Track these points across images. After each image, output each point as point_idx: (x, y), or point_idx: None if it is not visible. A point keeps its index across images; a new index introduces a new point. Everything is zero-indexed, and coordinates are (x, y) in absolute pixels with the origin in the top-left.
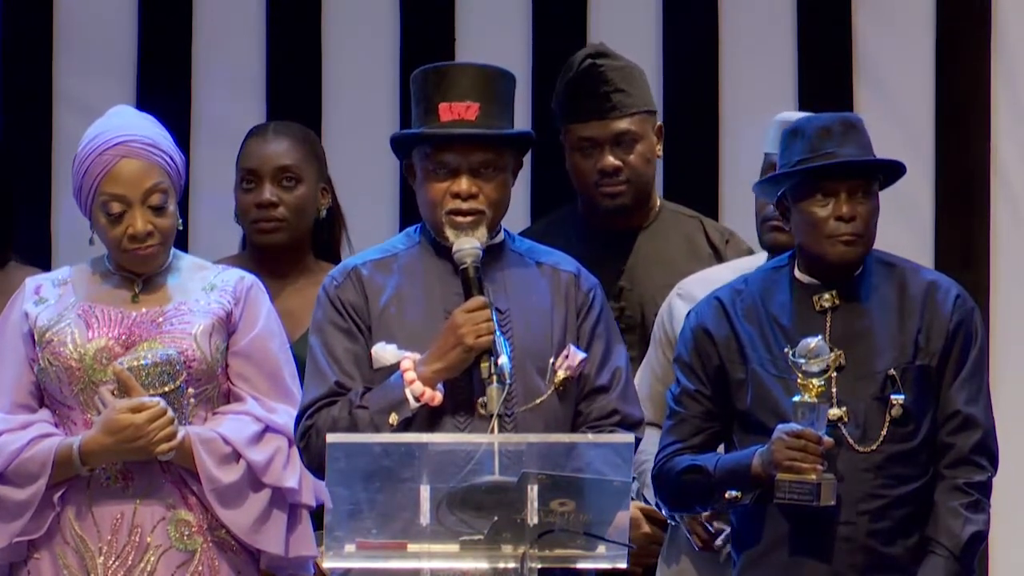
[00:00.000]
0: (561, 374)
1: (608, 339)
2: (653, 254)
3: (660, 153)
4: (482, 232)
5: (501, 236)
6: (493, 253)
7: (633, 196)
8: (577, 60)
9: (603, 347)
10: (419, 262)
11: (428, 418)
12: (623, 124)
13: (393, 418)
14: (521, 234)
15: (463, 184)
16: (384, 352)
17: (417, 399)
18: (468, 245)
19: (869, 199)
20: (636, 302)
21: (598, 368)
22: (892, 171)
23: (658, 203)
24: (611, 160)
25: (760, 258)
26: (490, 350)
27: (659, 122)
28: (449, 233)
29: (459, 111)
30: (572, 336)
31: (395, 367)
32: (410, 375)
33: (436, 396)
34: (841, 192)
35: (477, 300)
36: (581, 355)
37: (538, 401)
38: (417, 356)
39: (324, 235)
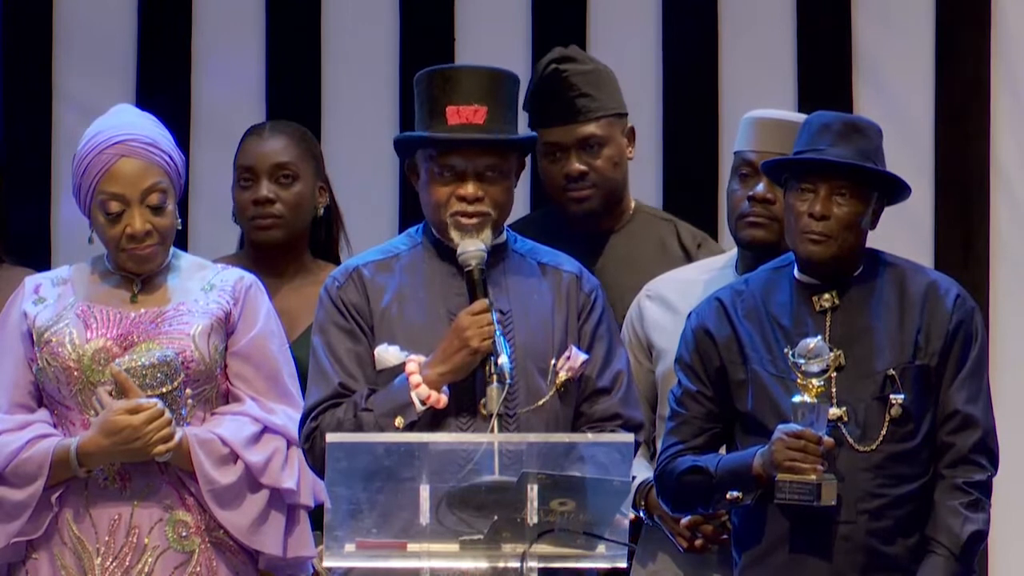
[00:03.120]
0: (562, 375)
1: (610, 341)
2: (624, 256)
3: (632, 155)
4: (487, 234)
5: (503, 236)
6: (495, 254)
7: (601, 200)
8: (541, 65)
9: (605, 349)
10: (421, 262)
11: (431, 420)
12: (588, 129)
13: (399, 421)
14: None
15: (469, 188)
16: (387, 354)
17: (423, 402)
18: (473, 247)
19: (853, 202)
20: None
21: (600, 370)
22: (890, 183)
23: (632, 205)
24: (576, 165)
25: (728, 257)
26: (491, 351)
27: (630, 124)
28: (454, 235)
29: (467, 115)
30: (573, 337)
31: (398, 368)
32: (415, 378)
33: (442, 399)
34: (821, 189)
35: (482, 303)
36: (583, 356)
37: (540, 402)
38: (422, 358)
39: (321, 234)
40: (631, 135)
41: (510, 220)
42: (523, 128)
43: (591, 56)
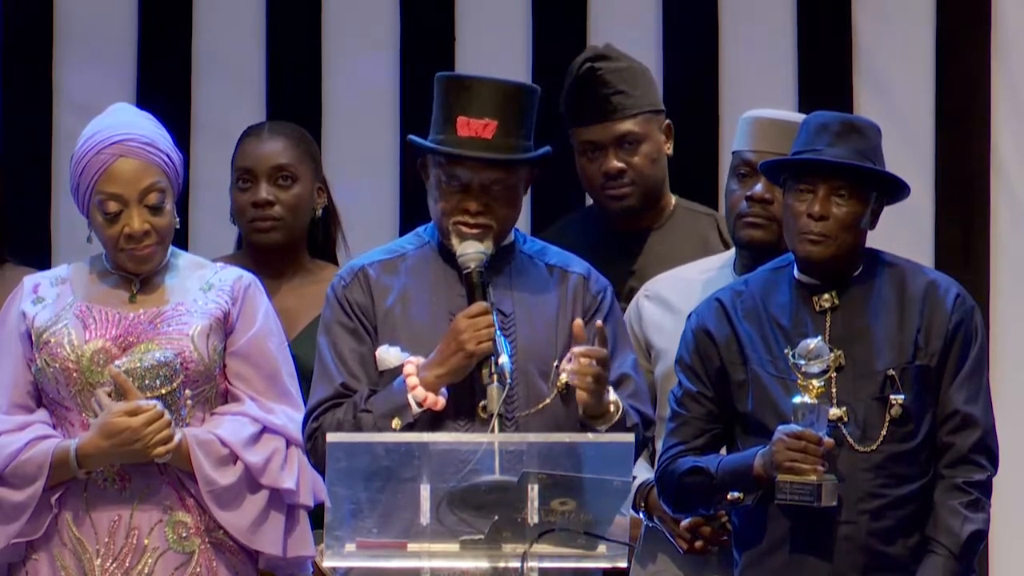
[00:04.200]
0: (564, 378)
1: (616, 341)
2: (664, 254)
3: (670, 151)
4: (488, 244)
5: (511, 238)
6: (502, 255)
7: (640, 197)
8: (576, 64)
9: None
10: (426, 264)
11: (430, 422)
12: (625, 126)
13: (396, 423)
14: (538, 237)
15: (472, 203)
16: (388, 355)
17: (419, 404)
18: (472, 249)
19: (852, 203)
20: None
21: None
22: (889, 183)
23: (672, 202)
24: (614, 163)
25: (727, 256)
26: (491, 353)
27: (667, 120)
28: (454, 241)
29: (476, 128)
30: None
31: (399, 370)
32: (412, 380)
33: (439, 401)
34: (819, 190)
35: (479, 305)
36: None
37: (541, 406)
38: (420, 360)
39: (320, 234)
40: (668, 131)
41: (528, 222)
42: (561, 133)
43: (625, 54)
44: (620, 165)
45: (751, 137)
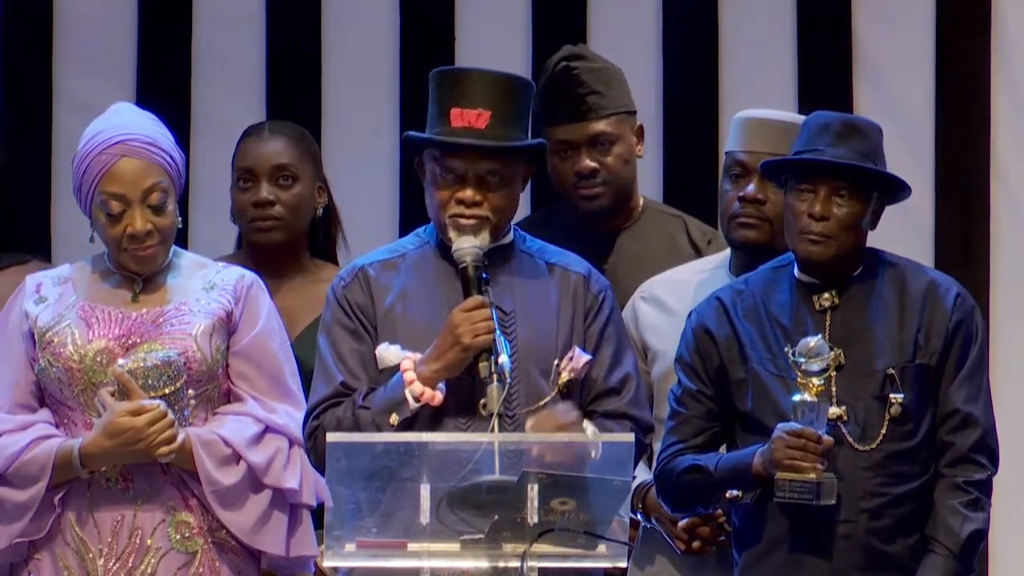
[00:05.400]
0: (565, 376)
1: (618, 342)
2: (634, 254)
3: (641, 153)
4: (484, 236)
5: (510, 236)
6: (502, 254)
7: (611, 197)
8: (552, 63)
9: (612, 350)
10: (427, 262)
11: (430, 419)
12: (599, 126)
13: (393, 418)
14: None
15: (468, 192)
16: (388, 353)
17: (417, 399)
18: (468, 244)
19: (852, 203)
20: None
21: (607, 371)
22: (890, 183)
23: (640, 203)
24: (587, 162)
25: (722, 257)
26: (489, 349)
27: (639, 122)
28: (452, 234)
29: (470, 118)
30: (579, 338)
31: (398, 367)
32: (409, 375)
33: (436, 396)
34: (820, 190)
35: (475, 299)
36: (586, 357)
37: (541, 403)
38: (418, 356)
39: (320, 234)
40: (640, 133)
41: (516, 219)
42: (534, 133)
43: (599, 55)
44: (593, 165)
45: (743, 137)
